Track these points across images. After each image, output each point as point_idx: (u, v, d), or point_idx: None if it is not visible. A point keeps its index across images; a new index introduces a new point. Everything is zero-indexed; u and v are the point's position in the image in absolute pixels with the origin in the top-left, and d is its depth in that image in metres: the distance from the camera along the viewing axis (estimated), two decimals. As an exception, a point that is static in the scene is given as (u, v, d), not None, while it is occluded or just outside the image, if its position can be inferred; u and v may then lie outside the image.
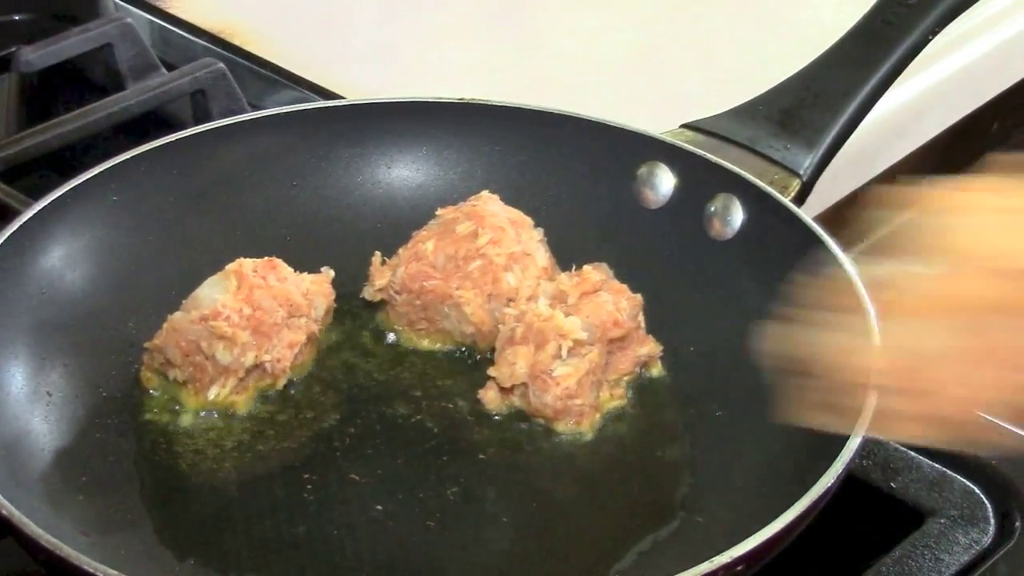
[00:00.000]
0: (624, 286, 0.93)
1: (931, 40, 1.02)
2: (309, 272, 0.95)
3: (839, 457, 0.77)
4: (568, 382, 0.89)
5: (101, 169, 0.96)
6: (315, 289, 0.94)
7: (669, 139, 1.00)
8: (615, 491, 0.88)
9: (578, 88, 1.28)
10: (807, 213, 0.94)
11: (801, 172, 0.98)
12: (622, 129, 1.01)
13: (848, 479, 0.77)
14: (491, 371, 0.91)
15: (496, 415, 0.92)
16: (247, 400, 0.91)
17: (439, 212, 0.98)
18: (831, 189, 1.22)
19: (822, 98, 1.01)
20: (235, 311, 0.89)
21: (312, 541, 0.83)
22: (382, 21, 1.39)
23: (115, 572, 0.71)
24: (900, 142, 1.33)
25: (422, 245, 0.96)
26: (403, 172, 1.04)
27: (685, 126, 1.04)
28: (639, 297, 0.93)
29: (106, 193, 0.96)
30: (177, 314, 0.91)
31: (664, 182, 0.99)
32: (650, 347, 0.94)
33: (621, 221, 1.00)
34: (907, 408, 0.70)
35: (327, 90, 1.24)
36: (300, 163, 1.03)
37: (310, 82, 1.25)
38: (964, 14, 1.04)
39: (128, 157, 0.97)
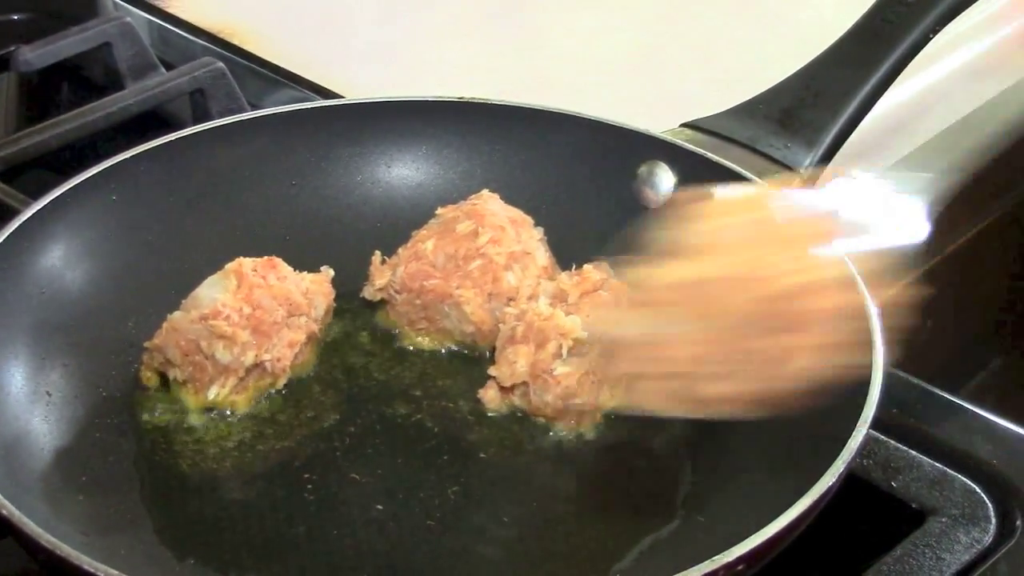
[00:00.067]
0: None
1: (931, 39, 1.02)
2: (309, 271, 0.95)
3: (840, 456, 0.77)
4: (568, 381, 0.89)
5: (100, 169, 0.96)
6: (315, 288, 0.94)
7: (669, 138, 1.00)
8: (615, 490, 0.88)
9: (578, 87, 1.28)
10: (807, 212, 0.94)
11: (801, 171, 0.98)
12: (622, 128, 1.01)
13: (849, 478, 0.77)
14: (491, 370, 0.91)
15: (496, 414, 0.91)
16: (247, 399, 0.91)
17: (439, 211, 0.98)
18: (831, 188, 1.22)
19: (822, 97, 1.01)
20: (235, 310, 0.89)
21: (312, 540, 0.83)
22: (382, 21, 1.39)
23: (115, 572, 0.71)
24: (900, 141, 1.33)
25: (422, 244, 0.96)
26: (403, 171, 1.04)
27: (685, 125, 1.04)
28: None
29: (105, 193, 0.96)
30: (177, 313, 0.91)
31: (664, 181, 0.99)
32: (650, 346, 0.94)
33: (621, 220, 1.00)
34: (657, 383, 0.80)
35: (326, 89, 1.24)
36: (300, 162, 1.03)
37: (309, 81, 1.25)
38: (964, 14, 1.04)
39: (127, 157, 0.97)
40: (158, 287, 0.95)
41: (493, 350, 0.93)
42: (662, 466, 0.89)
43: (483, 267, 0.94)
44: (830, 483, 0.76)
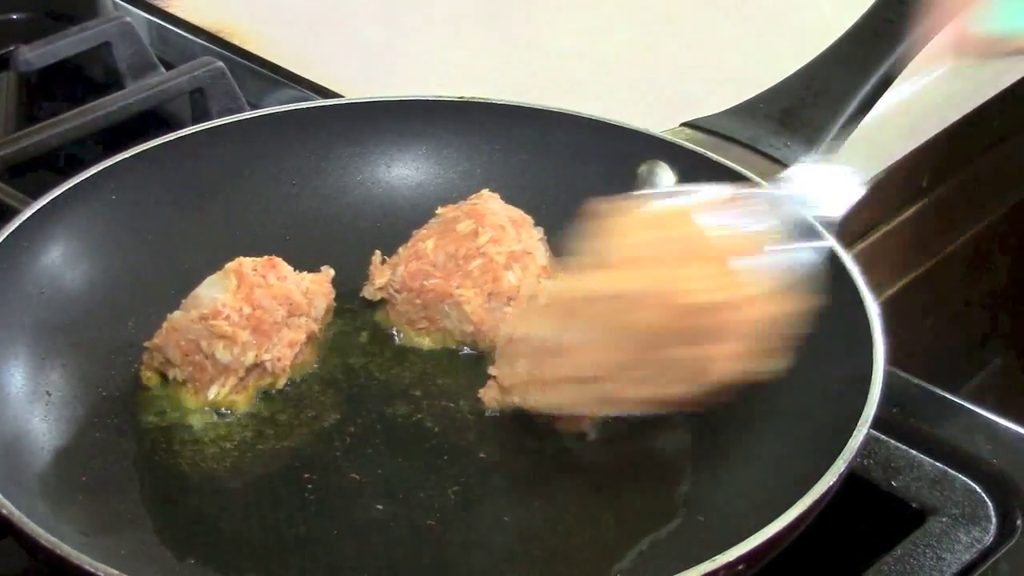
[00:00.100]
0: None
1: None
2: (309, 271, 0.95)
3: (841, 455, 0.77)
4: (569, 381, 0.89)
5: (100, 168, 0.96)
6: (315, 288, 0.94)
7: (669, 137, 1.00)
8: (616, 490, 0.88)
9: (578, 87, 1.28)
10: (808, 211, 0.94)
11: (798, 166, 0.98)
12: (622, 128, 1.01)
13: (849, 478, 0.77)
14: (491, 370, 0.91)
15: (496, 414, 0.91)
16: (247, 399, 0.91)
17: (439, 211, 0.98)
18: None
19: (822, 97, 1.01)
20: (235, 310, 0.89)
21: (312, 540, 0.83)
22: (382, 20, 1.39)
23: (115, 571, 0.71)
24: (901, 140, 1.33)
25: (422, 244, 0.96)
26: (403, 171, 1.04)
27: (685, 124, 1.04)
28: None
29: (105, 192, 0.96)
30: (177, 313, 0.91)
31: (665, 180, 0.98)
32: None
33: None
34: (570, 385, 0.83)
35: (326, 89, 1.23)
36: (300, 162, 1.03)
37: (309, 81, 1.25)
38: (964, 13, 1.04)
39: (127, 156, 0.97)
40: (158, 287, 0.95)
41: (493, 350, 0.93)
42: (662, 465, 0.89)
43: (483, 267, 0.94)
44: (831, 483, 0.76)
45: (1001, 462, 0.89)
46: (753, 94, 1.04)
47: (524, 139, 1.03)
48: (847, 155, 0.86)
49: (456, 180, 1.03)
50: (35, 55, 1.21)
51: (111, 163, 0.96)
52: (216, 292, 0.90)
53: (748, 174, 0.95)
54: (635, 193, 0.88)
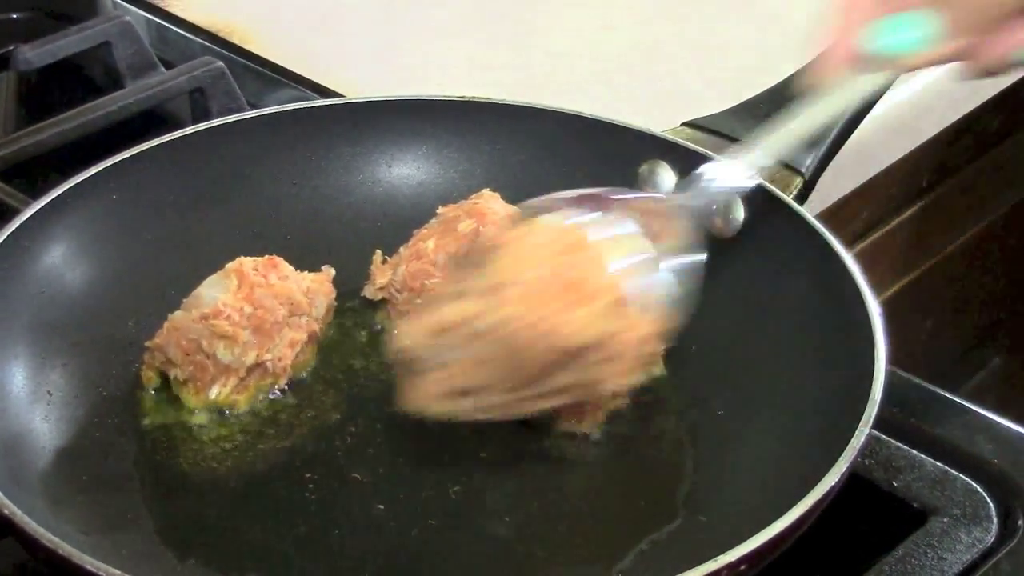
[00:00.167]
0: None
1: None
2: (310, 271, 0.95)
3: (843, 455, 0.76)
4: (569, 381, 0.89)
5: (100, 168, 0.95)
6: (316, 288, 0.94)
7: (670, 137, 1.00)
8: (617, 490, 0.88)
9: (579, 86, 1.28)
10: (809, 211, 0.94)
11: (803, 170, 0.98)
12: (623, 127, 1.01)
13: (850, 478, 0.77)
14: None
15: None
16: (248, 399, 0.91)
17: (440, 210, 0.98)
18: (832, 187, 1.22)
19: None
20: (236, 310, 0.89)
21: (314, 540, 0.82)
22: (382, 19, 1.39)
23: (116, 571, 0.71)
24: (901, 140, 1.33)
25: (423, 243, 0.96)
26: (404, 170, 1.04)
27: (686, 124, 1.04)
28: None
29: (106, 192, 0.96)
30: (178, 313, 0.91)
31: (665, 180, 0.98)
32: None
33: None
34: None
35: (327, 88, 1.23)
36: (300, 162, 1.03)
37: (309, 80, 1.25)
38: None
39: (127, 156, 0.97)
40: (159, 286, 0.95)
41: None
42: (663, 465, 0.89)
43: (484, 266, 0.94)
44: (833, 483, 0.76)
45: (1002, 462, 0.89)
46: (754, 93, 1.04)
47: (525, 138, 1.03)
48: (756, 148, 0.87)
49: (457, 180, 1.03)
50: (35, 54, 1.21)
51: (111, 163, 0.96)
52: (217, 292, 0.90)
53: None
54: (527, 204, 0.88)
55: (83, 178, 0.94)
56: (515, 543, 0.84)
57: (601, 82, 1.29)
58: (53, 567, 0.73)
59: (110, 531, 0.81)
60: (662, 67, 1.31)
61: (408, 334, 0.84)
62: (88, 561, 0.71)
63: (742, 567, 0.72)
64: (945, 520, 0.85)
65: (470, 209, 0.96)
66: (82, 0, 1.33)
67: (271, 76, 1.26)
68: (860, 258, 0.90)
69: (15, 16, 1.37)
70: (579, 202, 0.86)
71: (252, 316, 0.89)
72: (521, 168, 1.03)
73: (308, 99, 1.18)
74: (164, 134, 0.99)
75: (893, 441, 0.90)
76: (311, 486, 0.86)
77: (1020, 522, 0.85)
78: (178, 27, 1.33)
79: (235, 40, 1.31)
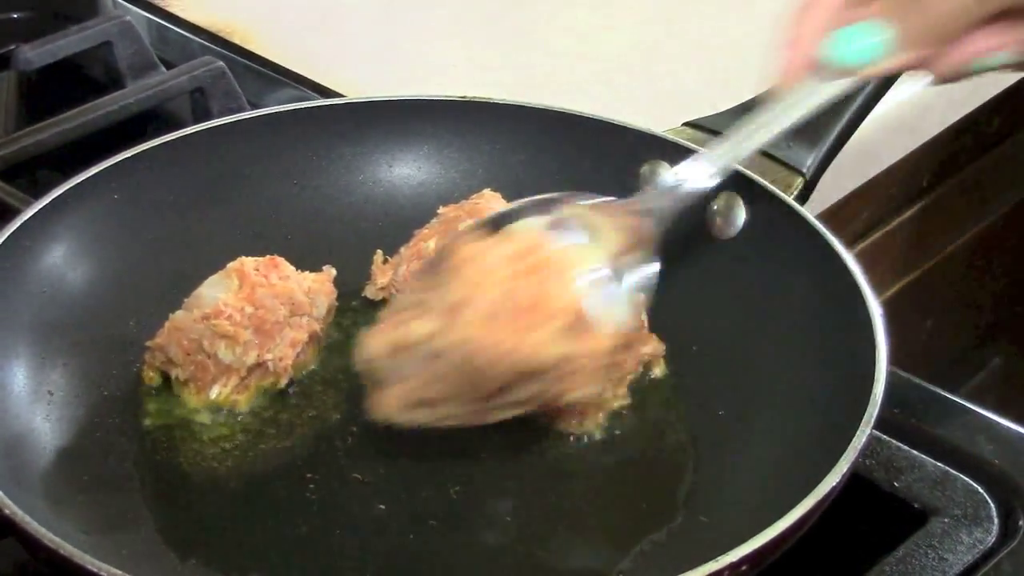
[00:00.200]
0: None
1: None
2: (311, 271, 0.95)
3: (843, 455, 0.76)
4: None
5: (101, 168, 0.95)
6: (317, 287, 0.94)
7: (671, 137, 1.00)
8: (618, 490, 0.88)
9: (580, 86, 1.28)
10: (809, 211, 0.94)
11: (804, 170, 0.98)
12: (624, 127, 1.01)
13: (851, 478, 0.77)
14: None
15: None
16: (249, 399, 0.91)
17: (441, 210, 0.98)
18: (832, 187, 1.22)
19: (824, 96, 1.00)
20: (237, 310, 0.89)
21: (314, 540, 0.82)
22: (382, 19, 1.39)
23: (117, 571, 0.71)
24: (901, 140, 1.33)
25: (424, 243, 0.96)
26: (404, 170, 1.04)
27: (687, 124, 1.03)
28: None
29: (106, 192, 0.96)
30: (179, 313, 0.91)
31: (666, 180, 0.98)
32: (653, 346, 0.93)
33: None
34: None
35: (327, 88, 1.23)
36: (301, 162, 1.03)
37: (310, 80, 1.25)
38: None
39: (128, 156, 0.97)
40: (160, 286, 0.95)
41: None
42: (664, 465, 0.89)
43: (485, 266, 0.94)
44: (834, 483, 0.75)
45: (1003, 462, 0.89)
46: (755, 93, 1.04)
47: (526, 138, 1.03)
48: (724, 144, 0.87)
49: (458, 180, 1.03)
50: (35, 54, 1.21)
51: (112, 163, 0.96)
52: (218, 292, 0.90)
53: (750, 174, 0.95)
54: (482, 220, 0.87)
55: (84, 178, 0.94)
56: (515, 543, 0.84)
57: (601, 82, 1.29)
58: (54, 567, 0.73)
59: (111, 531, 0.81)
60: (662, 67, 1.31)
61: (369, 347, 0.83)
62: (89, 561, 0.71)
63: (743, 567, 0.72)
64: (946, 520, 0.85)
65: (471, 209, 0.96)
66: (82, 0, 1.33)
67: (271, 76, 1.26)
68: (861, 258, 0.90)
69: (15, 16, 1.37)
70: (541, 208, 0.86)
71: (253, 316, 0.89)
72: (521, 168, 1.03)
73: (308, 99, 1.18)
74: (164, 134, 0.99)
75: (894, 441, 0.90)
76: (312, 486, 0.86)
77: (1021, 522, 0.85)
78: (178, 27, 1.33)
79: (235, 40, 1.31)
